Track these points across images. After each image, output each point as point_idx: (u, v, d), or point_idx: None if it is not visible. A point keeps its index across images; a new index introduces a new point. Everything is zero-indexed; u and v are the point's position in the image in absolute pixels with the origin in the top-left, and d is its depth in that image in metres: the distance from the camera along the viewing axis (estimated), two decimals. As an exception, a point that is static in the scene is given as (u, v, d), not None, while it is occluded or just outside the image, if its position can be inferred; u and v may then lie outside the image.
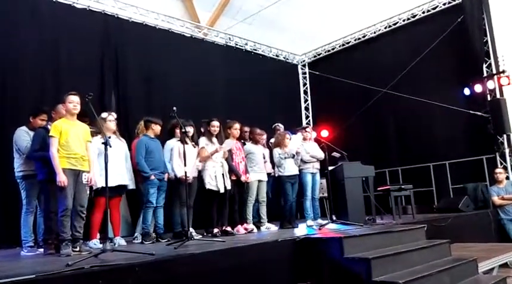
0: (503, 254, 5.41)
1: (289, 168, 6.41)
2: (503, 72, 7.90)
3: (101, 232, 5.20)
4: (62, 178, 4.11)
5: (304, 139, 6.85)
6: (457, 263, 4.44)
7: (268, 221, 6.34)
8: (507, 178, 7.69)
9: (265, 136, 6.68)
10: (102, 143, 4.02)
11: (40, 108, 5.09)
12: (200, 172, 5.72)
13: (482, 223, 7.31)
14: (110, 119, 5.19)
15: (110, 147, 4.01)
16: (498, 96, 7.98)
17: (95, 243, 4.86)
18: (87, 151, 4.45)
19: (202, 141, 5.79)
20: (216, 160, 5.69)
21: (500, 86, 7.96)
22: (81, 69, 6.98)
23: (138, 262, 3.17)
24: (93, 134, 4.77)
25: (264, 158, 6.52)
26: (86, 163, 4.39)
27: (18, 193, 5.06)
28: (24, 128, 4.90)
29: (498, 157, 7.95)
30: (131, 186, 5.39)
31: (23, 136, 4.82)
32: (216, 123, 5.86)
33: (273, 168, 6.64)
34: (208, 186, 5.60)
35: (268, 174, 6.54)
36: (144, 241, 5.20)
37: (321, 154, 6.66)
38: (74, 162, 4.26)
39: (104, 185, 4.56)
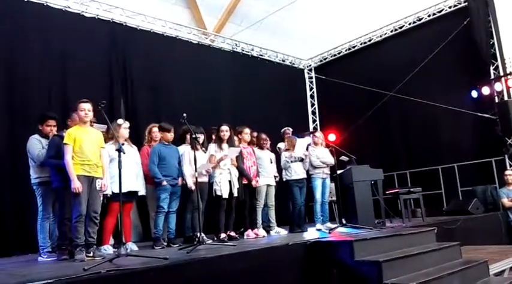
0: (514, 256, 5.41)
1: (297, 172, 6.43)
2: (511, 73, 7.90)
3: (114, 238, 5.27)
4: (76, 185, 4.17)
5: (316, 144, 6.83)
6: (467, 266, 4.45)
7: (277, 226, 6.38)
8: (516, 180, 7.65)
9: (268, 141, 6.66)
10: (116, 149, 4.07)
11: (46, 114, 5.13)
12: (210, 179, 5.76)
13: (492, 225, 7.30)
14: (125, 126, 5.26)
15: (124, 153, 4.07)
16: (506, 98, 7.98)
17: (105, 249, 4.92)
18: (100, 157, 4.51)
19: (212, 148, 5.79)
20: (223, 167, 5.69)
21: (508, 88, 7.96)
22: (90, 77, 7.07)
23: (153, 267, 3.22)
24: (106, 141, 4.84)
25: (271, 162, 6.54)
26: (99, 169, 4.45)
27: (30, 201, 5.13)
28: (36, 136, 4.95)
29: (507, 159, 7.92)
30: (142, 192, 5.45)
31: (35, 145, 4.87)
32: (224, 128, 5.82)
33: (279, 172, 6.66)
34: (215, 192, 5.64)
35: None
36: (154, 246, 5.24)
37: (331, 161, 6.66)
38: (88, 169, 4.33)
39: (116, 191, 4.69)
